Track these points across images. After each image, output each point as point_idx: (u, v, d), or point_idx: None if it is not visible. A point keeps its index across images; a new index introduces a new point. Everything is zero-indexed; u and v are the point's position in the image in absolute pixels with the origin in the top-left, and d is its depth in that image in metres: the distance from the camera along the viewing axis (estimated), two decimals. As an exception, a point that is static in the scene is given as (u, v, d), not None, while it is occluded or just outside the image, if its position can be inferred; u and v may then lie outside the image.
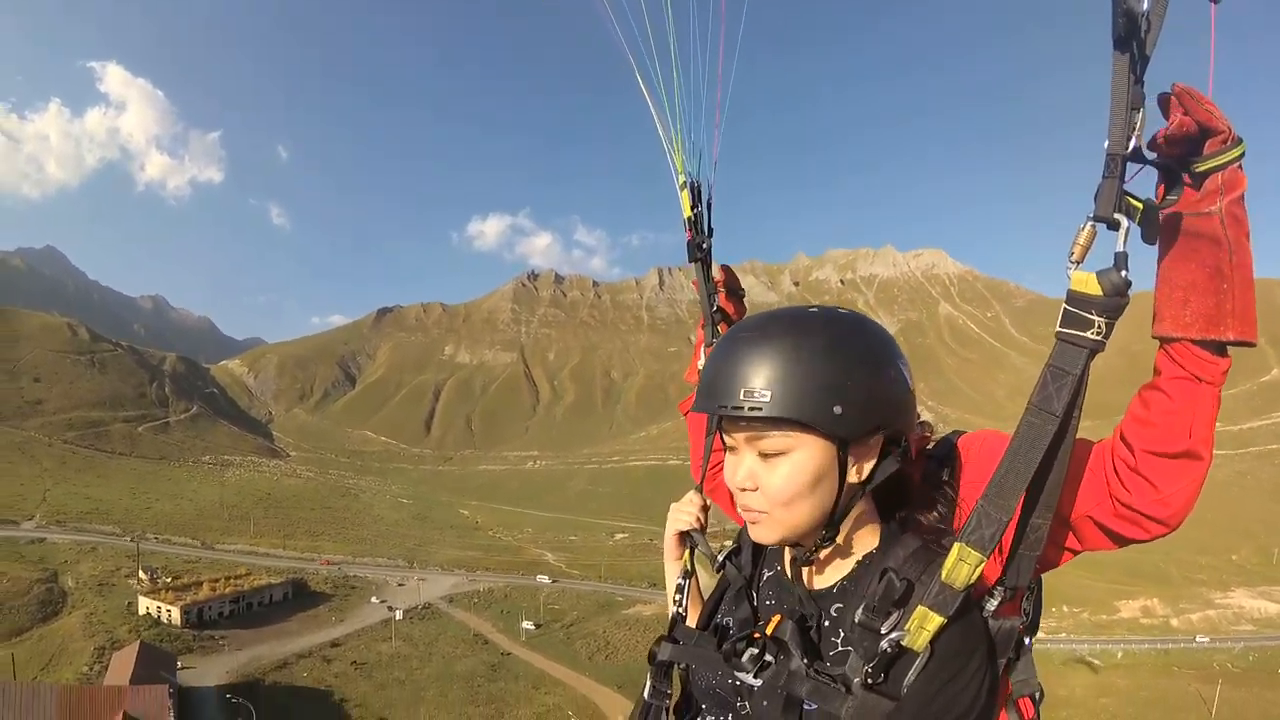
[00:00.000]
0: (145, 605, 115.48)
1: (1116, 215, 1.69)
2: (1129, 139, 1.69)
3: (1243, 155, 1.85)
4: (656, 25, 3.25)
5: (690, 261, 3.44)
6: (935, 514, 2.09)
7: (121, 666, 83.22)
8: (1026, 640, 2.13)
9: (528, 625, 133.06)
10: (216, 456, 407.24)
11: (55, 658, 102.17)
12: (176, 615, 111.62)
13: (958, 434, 2.51)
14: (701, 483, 2.75)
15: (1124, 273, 1.69)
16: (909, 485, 2.11)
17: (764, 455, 1.94)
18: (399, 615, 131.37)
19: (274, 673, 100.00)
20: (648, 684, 2.34)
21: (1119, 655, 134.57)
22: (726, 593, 2.39)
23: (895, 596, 1.77)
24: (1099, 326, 1.71)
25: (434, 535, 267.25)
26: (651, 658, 2.31)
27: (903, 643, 1.72)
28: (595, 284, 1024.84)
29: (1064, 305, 1.75)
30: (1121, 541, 2.06)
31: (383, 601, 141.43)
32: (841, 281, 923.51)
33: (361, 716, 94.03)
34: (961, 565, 1.72)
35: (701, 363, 3.08)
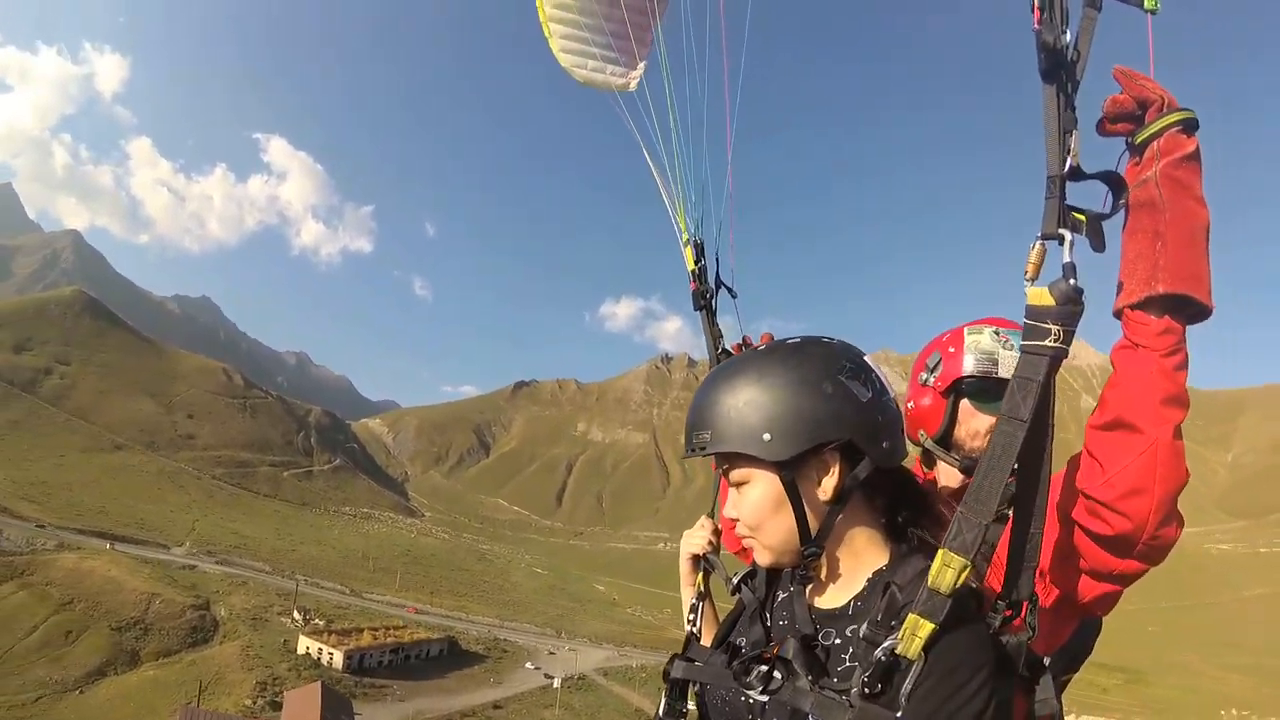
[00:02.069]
0: (305, 645, 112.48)
1: (1060, 230, 1.81)
2: (1065, 161, 1.82)
3: (1184, 121, 1.96)
4: (656, 99, 3.97)
5: (695, 309, 3.80)
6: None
7: (300, 706, 78.17)
8: (1045, 660, 2.14)
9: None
10: (356, 509, 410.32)
11: (211, 685, 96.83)
12: (339, 659, 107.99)
13: None
14: (714, 509, 2.82)
15: (1072, 281, 1.78)
16: (924, 506, 2.13)
17: (736, 486, 2.09)
18: (556, 683, 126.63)
19: None
20: (662, 702, 2.36)
21: None
22: (742, 615, 2.45)
23: (898, 612, 1.81)
24: (1056, 334, 1.78)
25: (574, 607, 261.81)
26: (665, 675, 2.35)
27: (896, 650, 1.74)
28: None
29: (1024, 320, 1.84)
30: (1098, 541, 2.09)
31: (537, 668, 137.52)
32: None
33: None
34: (946, 570, 1.75)
35: None
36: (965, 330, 2.98)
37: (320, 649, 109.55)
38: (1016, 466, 1.85)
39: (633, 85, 4.58)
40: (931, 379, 3.02)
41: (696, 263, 3.84)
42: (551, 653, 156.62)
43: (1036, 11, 1.72)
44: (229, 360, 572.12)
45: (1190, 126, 1.97)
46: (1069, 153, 1.81)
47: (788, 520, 2.00)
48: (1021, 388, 1.83)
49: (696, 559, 2.81)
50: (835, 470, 1.98)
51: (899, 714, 1.72)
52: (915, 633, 1.73)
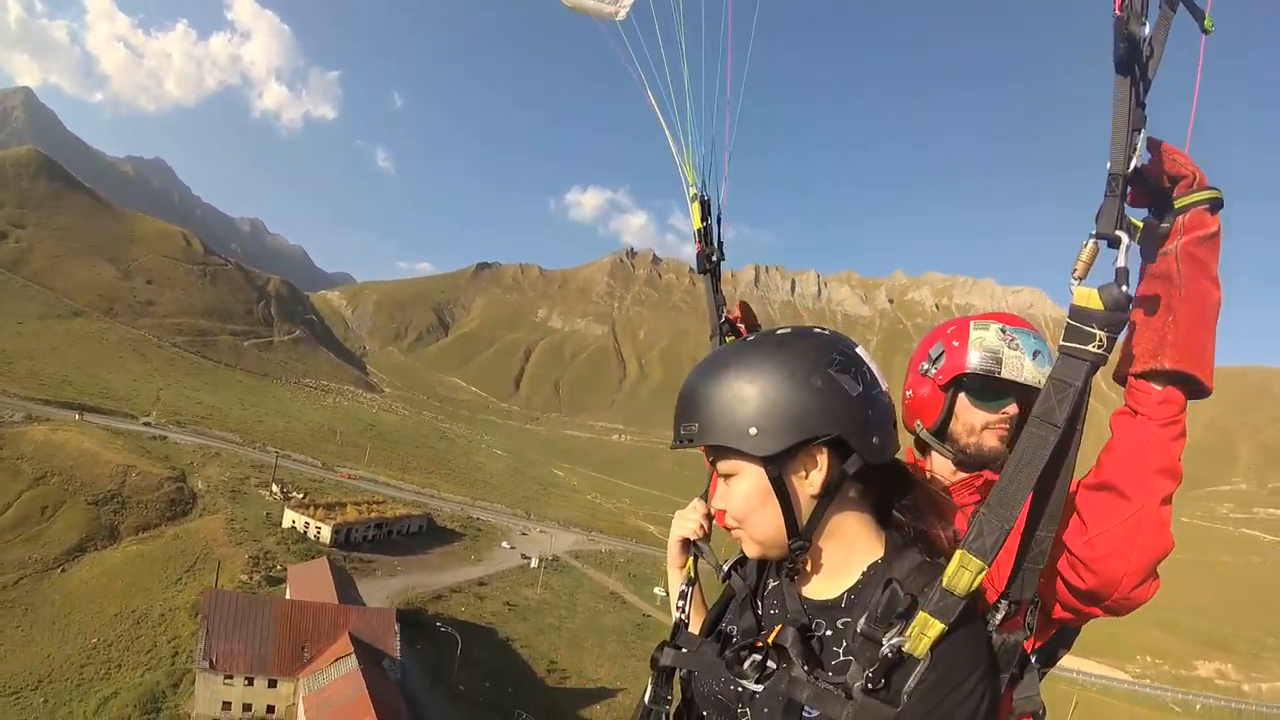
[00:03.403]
0: (291, 519, 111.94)
1: (1117, 232, 1.76)
2: (1130, 160, 1.77)
3: (1211, 200, 1.96)
4: (669, 44, 3.68)
5: (699, 273, 3.71)
6: (949, 531, 2.10)
7: (309, 580, 78.26)
8: (1033, 658, 2.19)
9: (659, 592, 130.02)
10: (316, 381, 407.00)
11: (200, 560, 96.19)
12: (327, 534, 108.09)
13: None
14: (706, 493, 2.77)
15: (1124, 288, 1.74)
16: (919, 499, 2.11)
17: (724, 478, 2.10)
18: (534, 563, 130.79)
19: (431, 603, 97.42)
20: (649, 689, 2.37)
21: (1197, 707, 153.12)
22: (731, 602, 2.44)
23: (898, 608, 1.81)
24: (1100, 340, 1.75)
25: (537, 491, 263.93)
26: (654, 663, 2.34)
27: (903, 649, 1.74)
28: (691, 270, 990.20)
29: (1067, 320, 1.80)
30: (1071, 590, 2.14)
31: (513, 548, 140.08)
32: (936, 306, 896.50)
33: (530, 656, 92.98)
34: (963, 572, 1.75)
35: None
36: (971, 324, 2.95)
37: (307, 523, 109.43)
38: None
39: (621, 14, 4.15)
40: (933, 370, 2.99)
41: (702, 220, 3.68)
42: (524, 533, 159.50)
43: None
44: (184, 225, 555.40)
45: (1216, 206, 1.98)
46: (1134, 152, 1.78)
47: (775, 514, 2.00)
48: (1058, 391, 1.80)
49: (687, 543, 2.77)
50: (823, 465, 1.98)
51: (898, 710, 1.73)
52: (924, 632, 1.74)
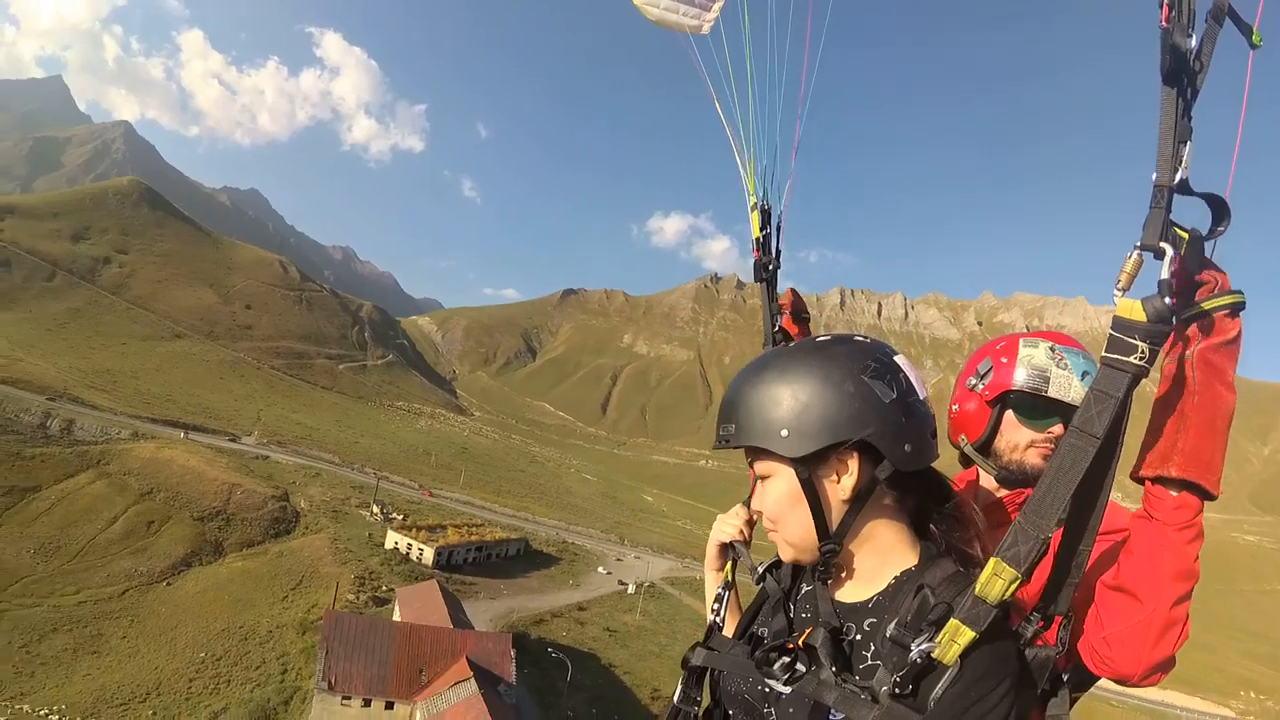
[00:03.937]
0: (394, 540, 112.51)
1: (1162, 244, 1.75)
2: (1176, 171, 1.75)
3: (1233, 305, 1.95)
4: (735, 53, 3.83)
5: (756, 281, 3.76)
6: (985, 542, 2.11)
7: (420, 603, 77.95)
8: (1064, 675, 2.19)
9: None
10: (409, 404, 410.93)
11: (306, 578, 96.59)
12: (429, 555, 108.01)
13: None
14: (749, 498, 2.69)
15: (1167, 299, 1.73)
16: (956, 511, 2.13)
17: (760, 480, 2.16)
18: (631, 589, 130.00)
19: (533, 627, 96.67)
20: (679, 689, 2.40)
21: None
22: (765, 604, 2.47)
23: (929, 615, 1.82)
24: (1142, 352, 1.75)
25: (629, 517, 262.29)
26: (685, 663, 2.37)
27: (933, 654, 1.75)
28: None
29: (1110, 330, 1.80)
30: (1091, 665, 2.19)
31: (609, 573, 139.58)
32: (1027, 328, 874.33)
33: (633, 683, 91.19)
34: (996, 580, 1.76)
35: None
36: (1020, 341, 2.97)
37: (410, 544, 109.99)
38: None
39: (705, 28, 4.39)
40: (980, 385, 3.01)
41: (761, 230, 3.76)
42: (619, 559, 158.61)
43: (1165, 9, 1.67)
44: (279, 253, 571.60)
45: (1237, 309, 1.98)
46: (1181, 164, 1.76)
47: (805, 516, 2.03)
48: (1098, 401, 1.80)
49: (726, 547, 2.80)
50: (854, 469, 2.00)
51: (924, 716, 1.75)
52: (955, 639, 1.74)
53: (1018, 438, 2.90)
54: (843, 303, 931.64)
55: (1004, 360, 2.95)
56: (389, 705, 60.50)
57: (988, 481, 3.05)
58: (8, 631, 77.46)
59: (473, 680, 57.73)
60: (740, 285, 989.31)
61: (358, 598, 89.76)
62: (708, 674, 2.37)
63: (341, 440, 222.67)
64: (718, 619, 2.60)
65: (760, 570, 2.53)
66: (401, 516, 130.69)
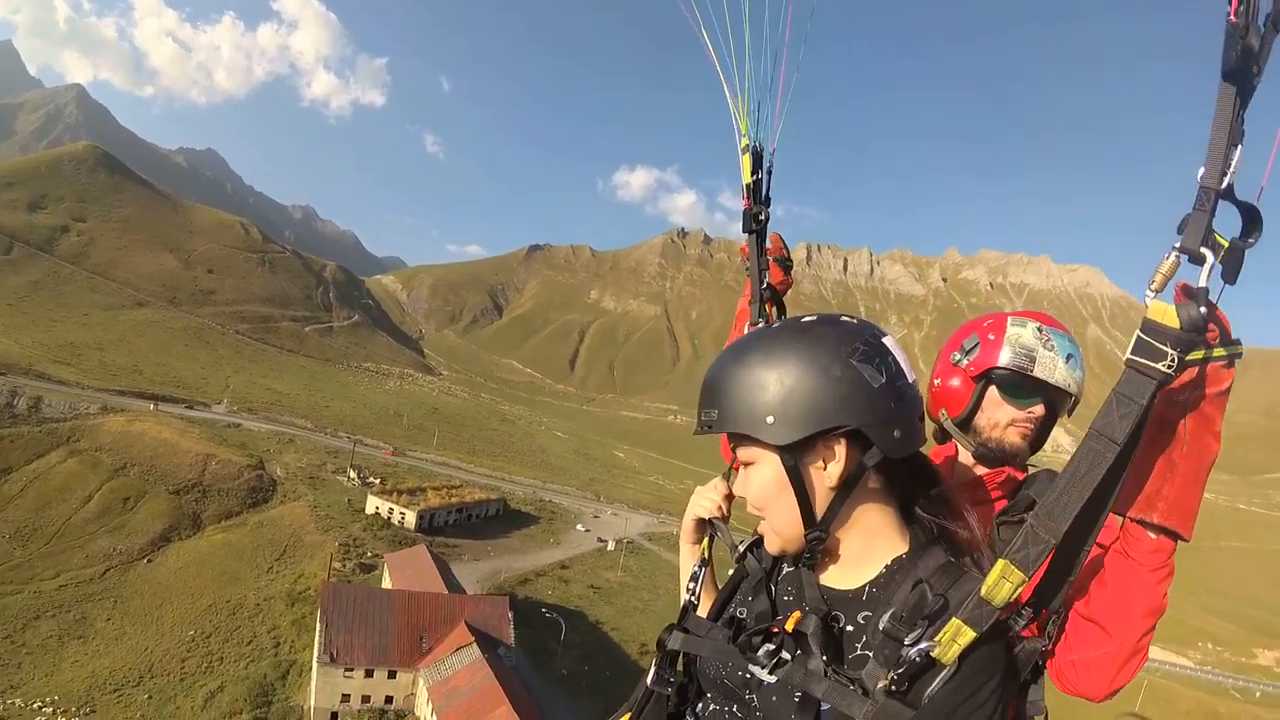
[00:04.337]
0: (375, 505, 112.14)
1: (1202, 249, 1.67)
2: (1224, 175, 1.67)
3: (1231, 356, 1.92)
4: None
5: (745, 232, 3.46)
6: (974, 529, 2.10)
7: (411, 569, 77.95)
8: (1042, 663, 2.19)
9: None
10: (377, 365, 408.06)
11: (289, 548, 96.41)
12: (411, 519, 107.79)
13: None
14: (730, 472, 2.67)
15: (1202, 308, 1.67)
16: (944, 495, 2.11)
17: (744, 466, 2.08)
18: (611, 546, 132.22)
19: (519, 587, 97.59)
20: (653, 670, 2.32)
21: (1257, 694, 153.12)
22: (743, 584, 2.38)
23: (926, 610, 1.77)
24: (1171, 359, 1.69)
25: (602, 473, 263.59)
26: (660, 645, 2.28)
27: (932, 654, 1.71)
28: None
29: (1137, 332, 1.74)
30: (1054, 680, 2.22)
31: (588, 531, 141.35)
32: (990, 285, 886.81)
33: (621, 639, 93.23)
34: (1004, 583, 1.72)
35: None
36: (1009, 320, 2.94)
37: (391, 509, 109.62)
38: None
39: None
40: (965, 361, 2.98)
41: (753, 174, 3.38)
42: (596, 516, 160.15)
43: (1235, 2, 1.57)
44: (238, 214, 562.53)
45: (1234, 360, 1.95)
46: (1230, 167, 1.68)
47: (791, 503, 1.97)
48: (1121, 406, 1.75)
49: (703, 522, 2.72)
50: (841, 456, 1.94)
51: (916, 713, 1.72)
52: (956, 639, 1.71)
53: (999, 415, 2.89)
54: (809, 258, 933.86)
55: (991, 337, 2.93)
56: (391, 674, 60.89)
57: (965, 458, 3.04)
58: (-11, 622, 76.38)
59: (475, 645, 58.26)
60: (707, 240, 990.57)
61: (344, 565, 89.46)
62: (681, 655, 2.30)
63: (312, 405, 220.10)
64: (693, 598, 2.53)
65: (742, 549, 2.44)
66: (379, 481, 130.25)
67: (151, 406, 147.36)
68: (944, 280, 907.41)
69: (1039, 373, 2.80)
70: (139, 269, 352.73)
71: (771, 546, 2.11)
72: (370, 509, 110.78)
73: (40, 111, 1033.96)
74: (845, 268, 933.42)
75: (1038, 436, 2.93)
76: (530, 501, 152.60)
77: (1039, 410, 2.86)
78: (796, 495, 1.95)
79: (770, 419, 1.90)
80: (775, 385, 1.91)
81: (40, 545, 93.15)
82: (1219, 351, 1.90)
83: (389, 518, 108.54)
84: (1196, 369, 1.92)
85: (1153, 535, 2.04)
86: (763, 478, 2.00)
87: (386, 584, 75.73)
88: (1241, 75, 1.62)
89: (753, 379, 1.95)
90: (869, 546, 2.02)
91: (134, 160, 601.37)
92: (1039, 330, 2.86)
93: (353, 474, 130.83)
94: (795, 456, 1.93)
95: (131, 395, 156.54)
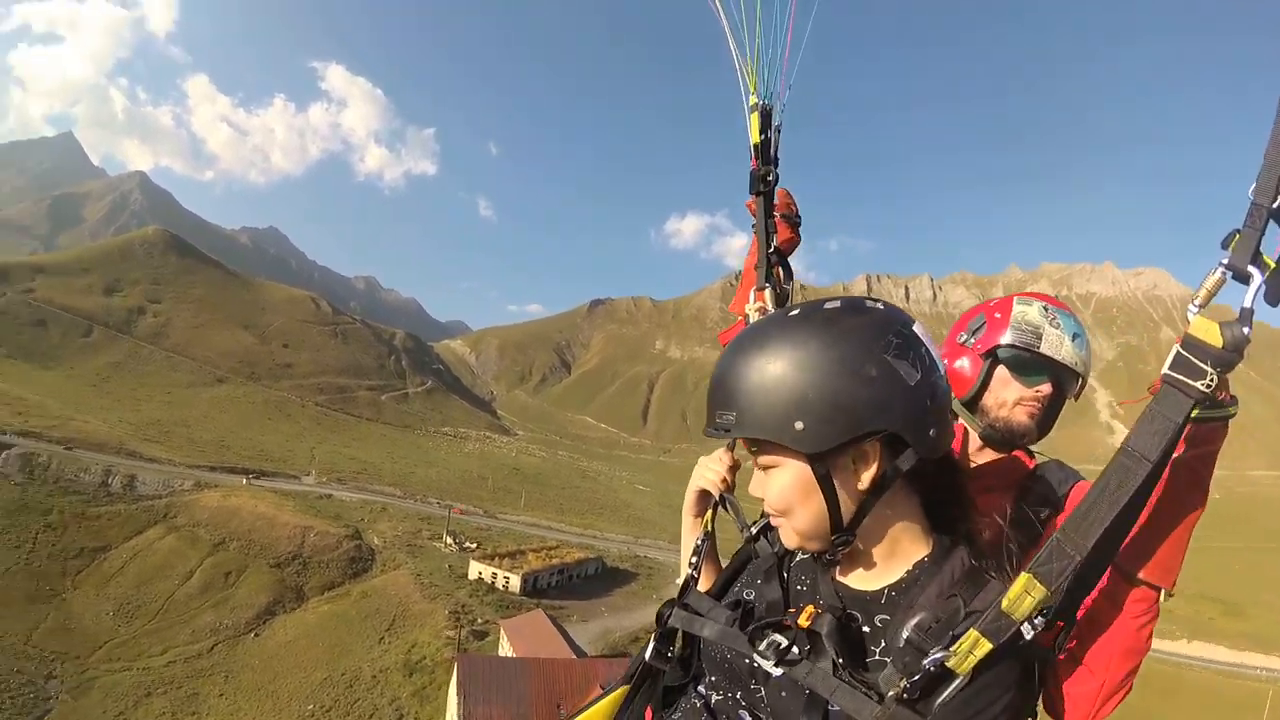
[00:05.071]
0: (478, 570, 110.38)
1: (1250, 268, 1.63)
2: (1278, 193, 1.62)
3: (1229, 417, 1.92)
4: None
5: (752, 194, 3.37)
6: (994, 529, 2.10)
7: (531, 634, 75.64)
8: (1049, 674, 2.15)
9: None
10: (454, 429, 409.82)
11: (399, 618, 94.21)
12: (515, 583, 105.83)
13: (1077, 479, 2.66)
14: (733, 443, 2.63)
15: (1247, 329, 1.63)
16: (964, 497, 2.05)
17: (763, 469, 1.94)
18: None
19: (632, 646, 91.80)
20: (651, 645, 2.26)
21: None
22: (751, 565, 2.31)
23: (957, 623, 1.72)
24: (1211, 378, 1.64)
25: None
26: (660, 619, 2.23)
27: (947, 664, 1.66)
28: (803, 288, 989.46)
29: (1176, 348, 1.69)
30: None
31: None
32: (1057, 296, 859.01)
33: None
34: (1026, 598, 1.67)
35: (751, 305, 3.16)
36: (1015, 299, 2.94)
37: (494, 573, 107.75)
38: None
39: None
40: (971, 340, 2.97)
41: (761, 134, 3.30)
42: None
43: None
44: (305, 289, 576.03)
45: (1229, 419, 1.94)
46: None
47: (818, 508, 1.86)
48: (1157, 422, 1.69)
49: (706, 494, 2.67)
50: (875, 460, 1.83)
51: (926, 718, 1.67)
52: (973, 651, 1.66)
53: (1006, 394, 2.86)
54: (869, 289, 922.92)
55: (997, 316, 2.92)
56: (530, 744, 57.72)
57: (972, 442, 3.00)
58: (100, 700, 75.48)
59: (614, 711, 54.56)
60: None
61: (457, 633, 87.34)
62: (678, 631, 2.24)
63: (397, 472, 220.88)
64: (694, 572, 2.47)
65: (754, 530, 2.39)
66: (475, 545, 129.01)
67: (244, 481, 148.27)
68: None
69: (1045, 349, 2.78)
70: (216, 346, 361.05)
71: (789, 543, 2.00)
72: (473, 574, 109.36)
73: (106, 199, 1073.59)
74: (907, 295, 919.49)
75: (1046, 417, 2.87)
76: (626, 558, 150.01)
77: (1046, 389, 2.82)
78: (826, 501, 1.85)
79: (799, 424, 1.76)
80: (805, 387, 1.76)
81: (145, 622, 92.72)
82: (1220, 413, 1.90)
83: (492, 582, 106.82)
84: (1193, 426, 1.88)
85: (1135, 586, 2.04)
86: (787, 483, 1.87)
87: (506, 650, 73.64)
88: None
89: (774, 377, 1.80)
90: (891, 548, 1.94)
91: (200, 241, 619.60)
92: (1045, 309, 2.85)
93: (449, 540, 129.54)
94: (826, 464, 1.81)
95: (223, 470, 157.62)
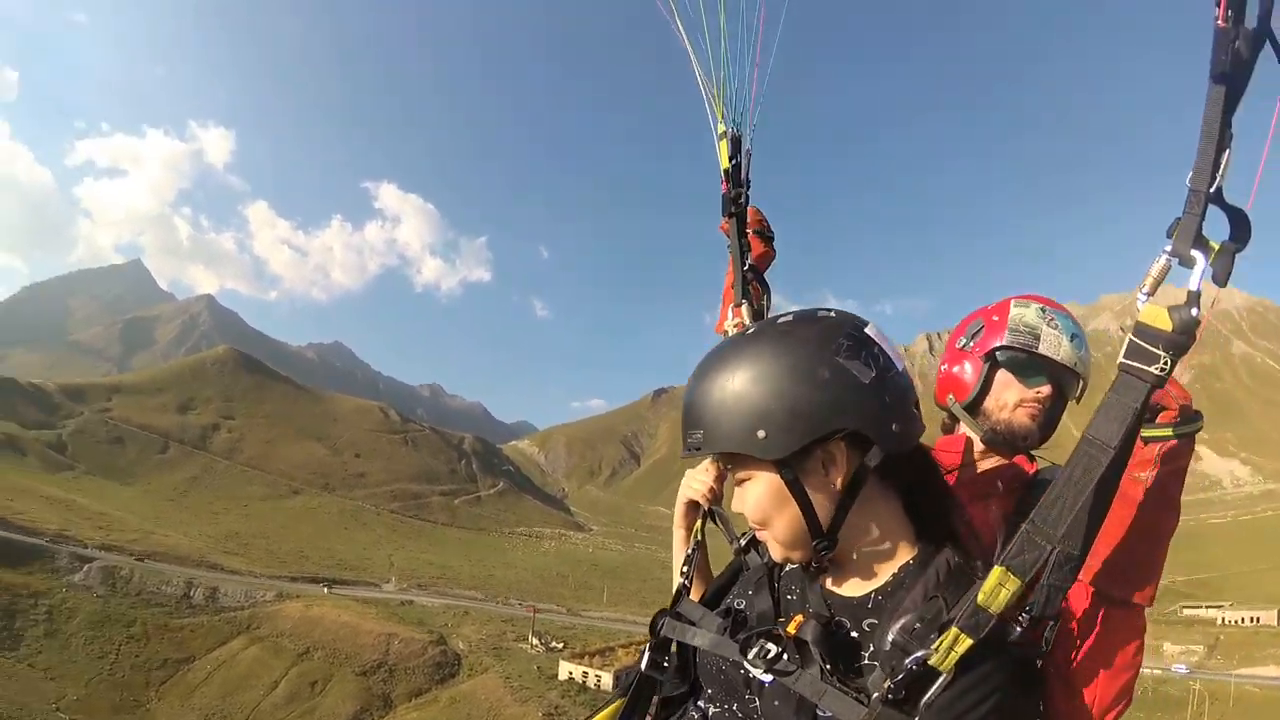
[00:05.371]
0: (568, 670, 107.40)
1: (1193, 252, 1.67)
2: (1214, 178, 1.65)
3: (1195, 433, 1.96)
4: None
5: (725, 215, 3.50)
6: (978, 527, 2.07)
7: None
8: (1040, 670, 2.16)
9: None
10: (529, 528, 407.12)
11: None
12: (608, 681, 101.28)
13: None
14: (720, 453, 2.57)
15: (1195, 310, 1.66)
16: (945, 498, 2.07)
17: (739, 484, 1.98)
18: None
19: None
20: (646, 655, 2.26)
21: None
22: (742, 575, 2.32)
23: (941, 623, 1.72)
24: (1164, 362, 1.67)
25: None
26: (653, 629, 2.24)
27: (929, 661, 1.66)
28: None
29: (1129, 336, 1.72)
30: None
31: None
32: (1121, 329, 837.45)
33: None
34: (1001, 590, 1.68)
35: (730, 321, 3.27)
36: (1011, 302, 2.93)
37: (585, 672, 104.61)
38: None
39: None
40: (970, 344, 2.96)
41: (730, 160, 3.45)
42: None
43: (1223, 7, 1.53)
44: (370, 399, 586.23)
45: (1195, 435, 1.97)
46: (1220, 171, 1.65)
47: (794, 515, 1.88)
48: (1115, 410, 1.71)
49: (695, 505, 2.70)
50: (842, 460, 1.86)
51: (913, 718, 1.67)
52: (954, 647, 1.66)
53: (1007, 396, 2.84)
54: (930, 348, 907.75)
55: (995, 319, 2.91)
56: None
57: (974, 448, 2.97)
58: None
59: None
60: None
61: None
62: (674, 641, 2.24)
63: (476, 574, 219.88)
64: (686, 581, 2.47)
65: (743, 542, 2.39)
66: (562, 645, 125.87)
67: (325, 589, 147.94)
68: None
69: (1044, 350, 2.78)
70: (290, 459, 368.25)
71: (775, 555, 2.01)
72: (563, 674, 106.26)
73: (176, 321, 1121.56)
74: None
75: (1047, 419, 2.85)
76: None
77: (1046, 389, 2.81)
78: (800, 507, 1.87)
79: (761, 433, 1.81)
80: (761, 397, 1.82)
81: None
82: (1187, 429, 1.96)
83: (584, 682, 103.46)
84: (1159, 445, 1.97)
85: (1119, 606, 2.07)
86: (761, 493, 1.90)
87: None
88: (1231, 78, 1.60)
89: (734, 391, 1.85)
90: (875, 553, 1.95)
91: (269, 358, 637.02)
92: (1042, 310, 2.85)
93: (535, 640, 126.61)
94: (794, 468, 1.85)
95: (303, 580, 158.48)
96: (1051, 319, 2.81)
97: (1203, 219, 1.67)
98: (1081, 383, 2.85)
